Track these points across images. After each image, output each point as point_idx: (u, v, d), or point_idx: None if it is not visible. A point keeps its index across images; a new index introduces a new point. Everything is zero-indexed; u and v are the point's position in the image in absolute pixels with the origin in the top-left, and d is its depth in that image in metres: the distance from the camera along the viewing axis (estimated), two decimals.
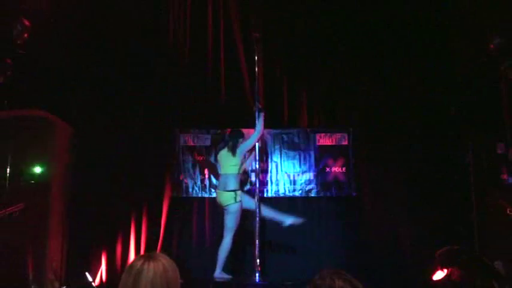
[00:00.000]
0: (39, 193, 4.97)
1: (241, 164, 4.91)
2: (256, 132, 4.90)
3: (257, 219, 4.77)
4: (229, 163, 4.87)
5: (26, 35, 4.65)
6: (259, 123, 4.88)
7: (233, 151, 4.85)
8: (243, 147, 4.89)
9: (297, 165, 5.73)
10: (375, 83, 5.64)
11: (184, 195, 5.67)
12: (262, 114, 4.92)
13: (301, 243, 5.46)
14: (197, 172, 5.71)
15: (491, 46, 4.81)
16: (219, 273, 4.75)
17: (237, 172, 4.85)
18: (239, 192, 4.80)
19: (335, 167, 5.69)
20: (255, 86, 5.12)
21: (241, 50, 5.73)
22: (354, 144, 5.70)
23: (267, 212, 4.93)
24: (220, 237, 4.90)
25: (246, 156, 5.14)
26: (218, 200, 4.92)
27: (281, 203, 5.64)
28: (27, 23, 4.64)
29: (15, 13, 4.60)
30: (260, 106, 4.97)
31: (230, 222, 4.79)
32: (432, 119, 5.52)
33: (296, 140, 5.76)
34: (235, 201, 4.75)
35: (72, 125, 5.50)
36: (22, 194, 4.73)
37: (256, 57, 5.13)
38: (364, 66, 5.65)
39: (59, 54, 5.08)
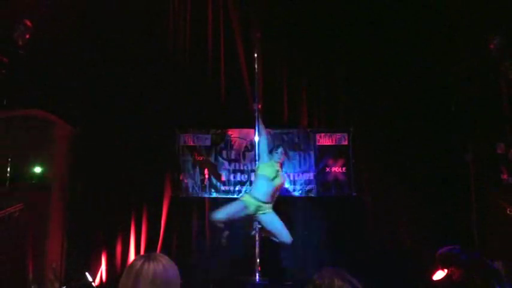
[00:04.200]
0: (39, 193, 4.97)
1: None
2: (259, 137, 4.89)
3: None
4: None
5: (27, 36, 4.64)
6: (259, 126, 4.81)
7: None
8: None
9: (297, 165, 5.72)
10: (375, 83, 5.64)
11: (184, 195, 5.67)
12: (258, 118, 4.84)
13: (301, 242, 5.45)
14: (197, 172, 5.71)
15: (491, 46, 4.81)
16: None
17: None
18: None
19: (335, 167, 5.69)
20: (255, 86, 5.12)
21: (241, 50, 5.73)
22: (354, 144, 5.70)
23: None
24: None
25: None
26: None
27: (281, 202, 5.64)
28: (29, 24, 4.63)
29: (17, 14, 4.59)
30: (258, 107, 4.90)
31: None
32: (432, 119, 5.51)
33: (296, 140, 5.76)
34: None
35: (72, 125, 5.50)
36: (22, 194, 4.73)
37: (256, 57, 5.13)
38: (364, 66, 5.65)
39: (59, 54, 5.08)
